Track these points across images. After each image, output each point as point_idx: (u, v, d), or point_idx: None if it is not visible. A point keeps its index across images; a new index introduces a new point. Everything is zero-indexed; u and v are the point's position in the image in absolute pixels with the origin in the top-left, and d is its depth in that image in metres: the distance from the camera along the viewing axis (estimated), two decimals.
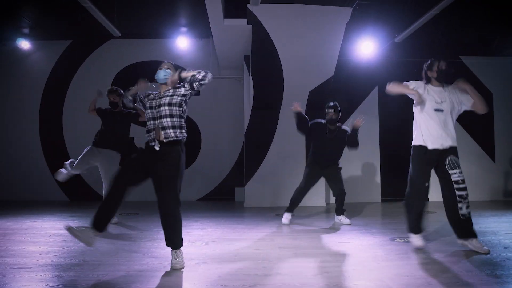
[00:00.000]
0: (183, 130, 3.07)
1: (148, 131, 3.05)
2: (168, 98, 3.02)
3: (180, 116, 3.05)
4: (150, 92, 3.24)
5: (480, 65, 7.64)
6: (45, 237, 4.09)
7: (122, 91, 4.89)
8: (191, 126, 7.76)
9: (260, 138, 6.83)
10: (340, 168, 5.06)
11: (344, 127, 4.97)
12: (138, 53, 7.72)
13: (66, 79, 7.69)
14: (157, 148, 2.95)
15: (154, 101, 3.06)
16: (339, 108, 4.88)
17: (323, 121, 4.94)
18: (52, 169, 7.23)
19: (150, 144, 3.00)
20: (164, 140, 2.96)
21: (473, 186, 7.39)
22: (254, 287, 2.54)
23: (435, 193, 7.43)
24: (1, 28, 7.18)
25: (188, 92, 3.08)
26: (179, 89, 3.08)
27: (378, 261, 3.17)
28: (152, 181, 2.98)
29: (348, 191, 7.32)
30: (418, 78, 3.69)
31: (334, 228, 4.67)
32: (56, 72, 7.74)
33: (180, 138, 3.01)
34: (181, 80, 3.11)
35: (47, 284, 2.55)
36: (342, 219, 4.98)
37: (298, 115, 4.86)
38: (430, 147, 3.46)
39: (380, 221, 5.39)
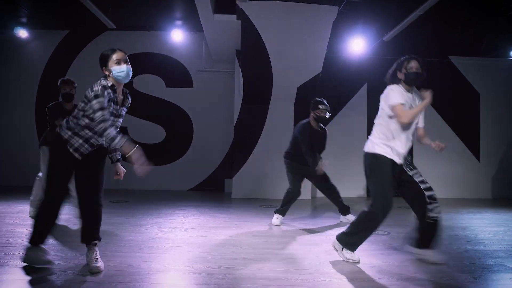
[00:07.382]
0: None
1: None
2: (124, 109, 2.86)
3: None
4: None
5: (469, 65, 7.77)
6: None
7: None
8: (184, 118, 7.94)
9: (249, 132, 6.98)
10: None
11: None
12: (134, 45, 7.86)
13: (62, 68, 7.82)
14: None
15: (115, 107, 2.75)
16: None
17: (304, 121, 4.59)
18: None
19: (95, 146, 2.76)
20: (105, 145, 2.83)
21: (458, 184, 7.61)
22: (218, 268, 2.74)
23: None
24: None
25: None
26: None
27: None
28: (80, 176, 2.80)
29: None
30: None
31: (315, 219, 4.83)
32: (53, 62, 7.90)
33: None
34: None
35: None
36: (350, 217, 4.54)
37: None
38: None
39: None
